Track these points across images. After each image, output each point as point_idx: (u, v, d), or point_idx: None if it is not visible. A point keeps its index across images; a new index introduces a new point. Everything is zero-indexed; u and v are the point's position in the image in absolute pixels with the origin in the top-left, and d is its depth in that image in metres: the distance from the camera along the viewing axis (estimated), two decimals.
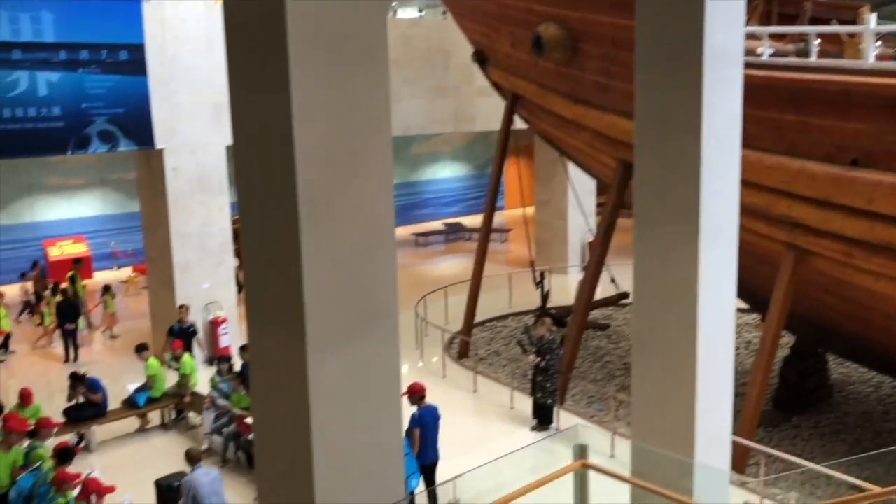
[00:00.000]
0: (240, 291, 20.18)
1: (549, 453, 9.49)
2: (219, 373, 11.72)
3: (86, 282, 21.94)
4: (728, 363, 7.18)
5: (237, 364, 12.33)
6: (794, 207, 9.58)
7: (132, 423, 12.28)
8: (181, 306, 14.74)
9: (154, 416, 12.51)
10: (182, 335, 14.24)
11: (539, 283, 16.41)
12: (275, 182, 4.28)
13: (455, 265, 25.90)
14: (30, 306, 19.97)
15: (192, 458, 8.87)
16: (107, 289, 17.93)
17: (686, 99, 6.44)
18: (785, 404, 12.50)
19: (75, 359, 16.13)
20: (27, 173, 23.45)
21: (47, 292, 18.62)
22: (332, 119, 4.26)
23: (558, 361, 11.82)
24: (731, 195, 6.88)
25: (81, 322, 17.42)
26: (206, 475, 8.70)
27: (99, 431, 11.68)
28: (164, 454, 11.57)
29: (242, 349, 11.83)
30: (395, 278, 4.66)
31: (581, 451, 5.76)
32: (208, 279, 15.82)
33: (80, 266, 19.67)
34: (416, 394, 9.66)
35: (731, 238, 6.94)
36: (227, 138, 15.66)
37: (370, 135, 4.44)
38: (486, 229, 15.83)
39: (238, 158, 4.56)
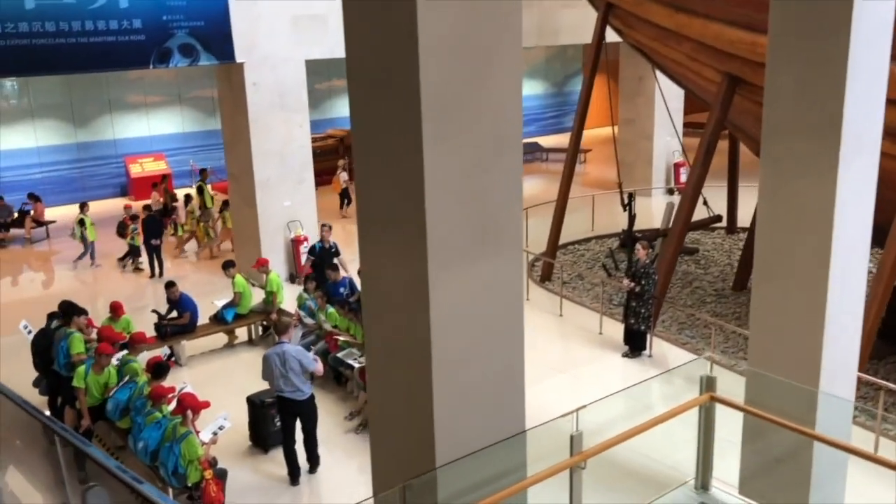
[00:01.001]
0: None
1: (647, 381, 9.17)
2: (305, 290, 11.61)
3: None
4: (860, 291, 6.63)
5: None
6: None
7: (220, 338, 12.33)
8: (323, 225, 13.93)
9: (241, 332, 12.54)
10: (323, 255, 13.34)
11: (627, 206, 15.77)
12: (394, 80, 3.86)
13: (532, 187, 25.30)
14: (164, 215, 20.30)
15: (278, 330, 8.95)
16: (226, 204, 17.98)
17: None
18: (892, 335, 11.79)
19: (160, 274, 16.30)
20: (107, 89, 23.59)
21: (177, 203, 19.24)
22: (460, 9, 3.80)
23: (654, 287, 11.31)
24: (877, 107, 6.19)
25: (212, 232, 17.90)
26: (278, 356, 8.55)
27: (188, 346, 11.75)
28: (251, 369, 11.59)
29: (331, 268, 11.66)
30: (520, 189, 4.25)
31: (709, 384, 5.36)
32: (289, 197, 15.67)
33: (206, 175, 20.16)
34: None
35: (873, 155, 6.29)
36: (306, 52, 15.28)
37: (500, 29, 3.97)
38: (574, 148, 15.20)
39: (351, 53, 4.14)
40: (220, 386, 10.76)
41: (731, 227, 17.92)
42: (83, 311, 10.03)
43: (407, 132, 3.82)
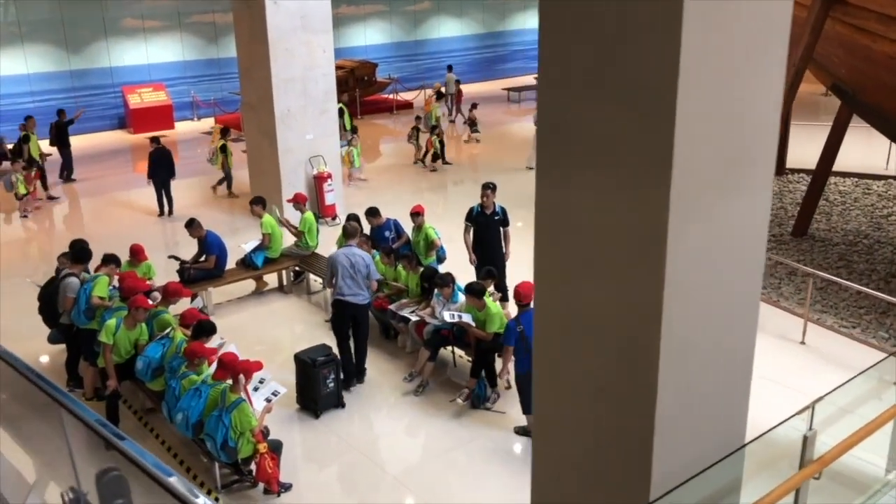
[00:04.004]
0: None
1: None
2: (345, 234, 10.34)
3: (167, 132, 20.87)
4: None
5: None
6: None
7: (247, 285, 11.13)
8: (486, 185, 9.93)
9: (271, 279, 11.34)
10: (482, 223, 9.89)
11: None
12: None
13: None
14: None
15: (347, 234, 8.90)
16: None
17: None
18: None
19: (170, 213, 15.03)
20: (101, 10, 21.84)
21: None
22: None
23: None
24: None
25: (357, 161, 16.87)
26: (348, 256, 8.46)
27: (214, 293, 10.54)
28: (284, 320, 10.48)
29: (370, 213, 10.39)
30: (778, 109, 3.05)
31: None
32: (311, 129, 14.33)
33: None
34: (519, 296, 7.65)
35: None
36: None
37: None
38: None
39: None
40: (251, 339, 9.60)
41: (780, 169, 16.72)
42: (114, 259, 8.77)
43: (658, 19, 2.59)
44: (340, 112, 18.89)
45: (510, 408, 8.10)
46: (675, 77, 2.58)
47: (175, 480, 2.77)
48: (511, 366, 7.88)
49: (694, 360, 3.02)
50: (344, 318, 8.50)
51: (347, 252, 8.51)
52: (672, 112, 2.62)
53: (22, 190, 15.22)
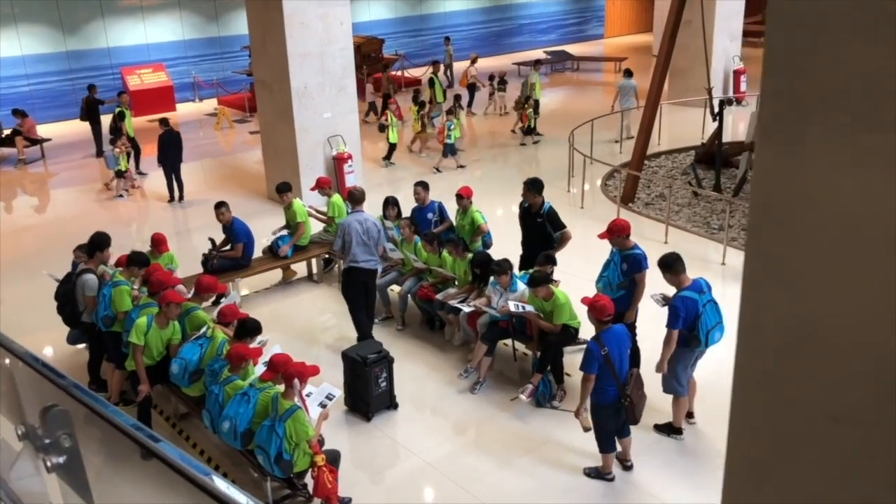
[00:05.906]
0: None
1: None
2: (385, 217, 9.58)
3: (169, 114, 20.00)
4: None
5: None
6: None
7: (274, 274, 10.39)
8: (525, 182, 8.58)
9: (299, 268, 10.59)
10: (526, 218, 8.67)
11: (718, 115, 13.82)
12: None
13: (567, 97, 23.17)
14: (374, 108, 19.86)
15: (354, 199, 8.46)
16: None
17: None
18: None
19: (181, 198, 14.26)
20: None
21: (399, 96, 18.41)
22: None
23: None
24: None
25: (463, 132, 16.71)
26: (360, 222, 8.17)
27: (242, 284, 9.79)
28: (315, 312, 9.76)
29: (420, 185, 9.56)
30: None
31: None
32: (329, 108, 13.54)
33: (438, 68, 21.00)
34: (604, 311, 6.28)
35: None
36: None
37: None
38: (668, 53, 13.12)
39: None
40: (280, 332, 8.84)
41: None
42: (138, 261, 7.80)
43: None
44: (431, 82, 18.62)
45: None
46: None
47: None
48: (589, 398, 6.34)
49: None
50: (356, 284, 8.35)
51: (358, 217, 8.23)
52: None
53: (123, 167, 14.51)
